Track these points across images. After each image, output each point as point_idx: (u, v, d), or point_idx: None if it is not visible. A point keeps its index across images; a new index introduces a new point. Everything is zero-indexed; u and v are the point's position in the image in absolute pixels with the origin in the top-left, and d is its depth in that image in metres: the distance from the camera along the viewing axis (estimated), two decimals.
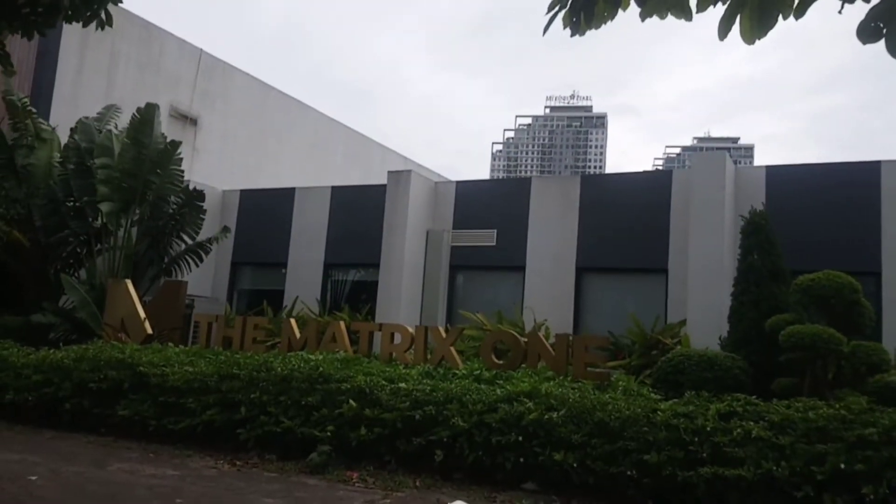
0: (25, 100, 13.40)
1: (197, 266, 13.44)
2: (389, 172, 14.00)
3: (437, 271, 13.59)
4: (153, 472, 6.26)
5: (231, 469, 6.59)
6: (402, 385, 7.05)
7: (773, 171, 11.64)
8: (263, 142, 20.77)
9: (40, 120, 13.60)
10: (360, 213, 14.57)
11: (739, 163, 13.62)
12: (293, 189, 15.68)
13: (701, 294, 10.85)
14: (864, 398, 6.41)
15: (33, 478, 5.73)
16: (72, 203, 12.94)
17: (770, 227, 8.41)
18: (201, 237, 13.32)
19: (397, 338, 9.07)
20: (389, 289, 13.25)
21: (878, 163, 10.90)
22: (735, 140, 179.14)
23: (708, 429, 5.72)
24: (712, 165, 11.53)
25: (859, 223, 10.72)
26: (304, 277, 14.80)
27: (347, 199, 15.02)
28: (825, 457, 5.24)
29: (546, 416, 6.15)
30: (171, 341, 10.09)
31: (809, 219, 10.85)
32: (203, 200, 13.14)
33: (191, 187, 13.29)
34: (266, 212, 15.72)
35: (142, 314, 10.50)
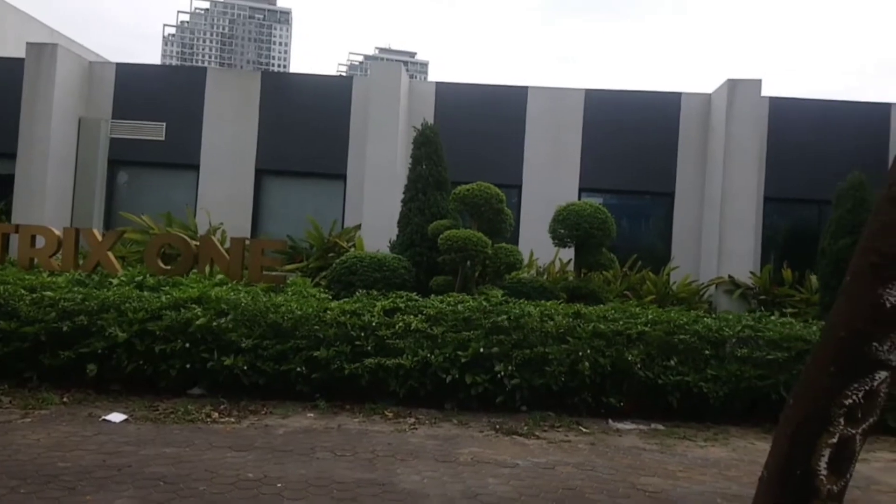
0: None
1: None
2: (29, 44, 11.67)
3: (93, 166, 12.00)
4: None
5: None
6: (48, 294, 6.19)
7: (442, 88, 12.51)
8: None
9: None
10: None
11: (414, 77, 14.33)
12: None
13: (375, 199, 11.41)
14: (500, 292, 7.51)
15: None
16: None
17: (439, 140, 9.09)
18: None
19: (40, 241, 7.87)
20: (30, 184, 11.33)
21: (525, 88, 12.41)
22: (413, 54, 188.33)
23: (373, 324, 6.14)
24: (389, 76, 11.94)
25: (507, 141, 12.20)
26: None
27: None
28: (468, 343, 6.03)
29: (216, 322, 5.97)
30: None
31: (469, 134, 11.98)
32: None
33: None
34: None
35: None
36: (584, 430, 5.62)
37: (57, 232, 7.87)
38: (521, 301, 6.87)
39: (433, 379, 5.96)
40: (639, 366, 5.99)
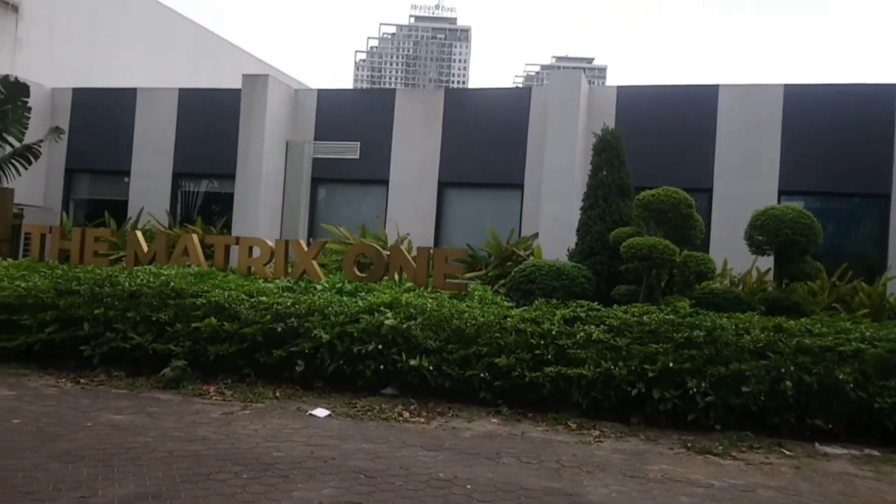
0: None
1: (25, 170, 12.10)
2: (245, 76, 13.15)
3: (298, 184, 13.20)
4: None
5: (75, 387, 6.22)
6: (263, 299, 6.91)
7: (623, 92, 12.20)
8: (95, 34, 18.60)
9: None
10: (212, 119, 13.65)
11: (593, 83, 14.14)
12: (135, 90, 14.34)
13: (553, 208, 11.38)
14: (689, 302, 7.14)
15: None
16: None
17: (620, 145, 8.88)
18: (29, 139, 11.94)
19: (256, 252, 8.81)
20: (247, 201, 12.72)
21: (716, 87, 11.73)
22: (590, 60, 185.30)
23: (553, 332, 6.13)
24: (568, 83, 11.87)
25: (696, 143, 11.59)
26: (150, 187, 13.82)
27: (198, 103, 13.98)
28: (656, 356, 5.81)
29: (405, 325, 6.30)
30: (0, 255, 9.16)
31: (653, 138, 11.55)
32: (27, 95, 11.69)
33: (10, 79, 11.75)
34: (104, 114, 14.31)
35: None
36: (786, 452, 5.18)
37: (270, 243, 8.77)
38: (713, 313, 6.49)
39: (617, 391, 5.81)
40: (851, 386, 5.41)
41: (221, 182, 13.75)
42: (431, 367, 6.11)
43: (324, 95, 13.66)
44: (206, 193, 14.13)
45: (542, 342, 6.08)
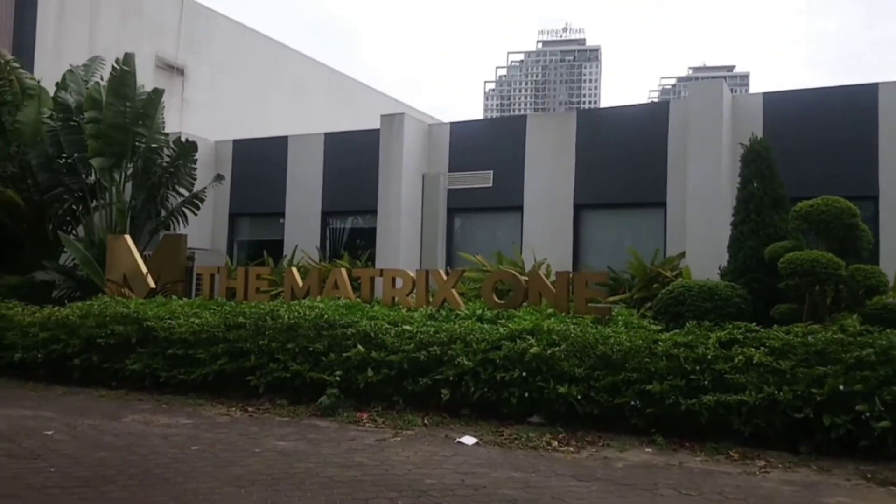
0: (9, 57, 13.11)
1: (194, 217, 13.40)
2: (382, 116, 13.79)
3: (435, 215, 13.56)
4: (167, 421, 6.39)
5: (244, 415, 6.73)
6: (407, 328, 7.14)
7: (770, 98, 11.48)
8: (249, 89, 20.36)
9: (25, 73, 13.29)
10: (354, 159, 14.42)
11: (736, 91, 13.41)
12: (286, 138, 15.48)
13: (699, 225, 10.86)
14: (857, 320, 6.51)
15: (49, 432, 5.85)
16: (64, 159, 12.78)
17: (771, 154, 8.35)
18: (196, 190, 13.23)
19: (398, 282, 9.13)
20: (388, 234, 13.24)
21: (875, 85, 10.75)
22: (730, 68, 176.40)
23: (709, 357, 5.82)
24: (709, 94, 11.36)
25: (857, 147, 10.64)
26: (302, 226, 14.77)
27: (341, 145, 14.84)
28: (824, 379, 5.35)
29: (549, 352, 6.25)
30: (175, 294, 10.15)
31: (807, 144, 10.75)
32: (196, 151, 12.98)
33: (182, 139, 13.11)
34: (260, 162, 15.56)
35: (143, 269, 10.51)
36: None
37: (411, 274, 9.06)
38: (889, 330, 5.88)
39: (782, 418, 5.40)
40: None
41: (364, 217, 14.43)
42: (579, 396, 6.00)
43: (456, 128, 14.00)
44: (350, 229, 14.89)
45: (697, 367, 5.79)
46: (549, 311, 7.87)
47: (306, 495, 4.29)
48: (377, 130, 13.71)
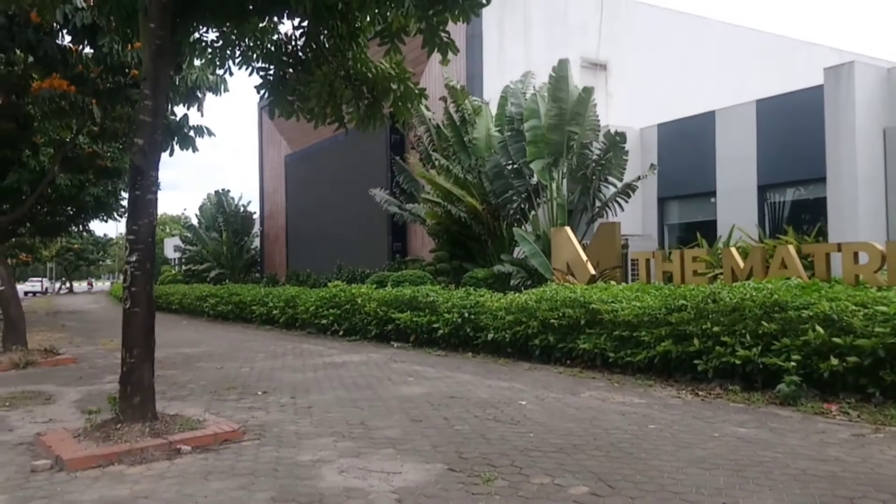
0: (462, 84, 15.57)
1: (627, 204, 13.84)
2: (826, 69, 12.15)
3: None
4: (621, 399, 6.73)
5: (695, 399, 6.67)
6: (880, 308, 6.14)
7: None
8: (670, 71, 20.08)
9: (474, 98, 15.60)
10: (792, 124, 13.05)
11: None
12: (712, 113, 14.86)
13: None
14: None
15: (523, 402, 6.70)
16: (511, 165, 14.56)
17: None
18: (626, 178, 13.63)
19: (863, 258, 7.93)
20: (841, 203, 11.61)
21: None
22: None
23: None
24: None
25: None
26: (735, 204, 13.99)
27: (775, 111, 13.58)
28: None
29: None
30: (613, 279, 10.64)
31: None
32: (625, 142, 13.39)
33: (610, 131, 13.66)
34: (686, 142, 15.26)
35: (584, 257, 11.30)
36: None
37: (879, 247, 7.79)
38: None
39: None
40: None
41: (808, 187, 12.95)
42: None
43: None
44: (792, 202, 13.52)
45: None
46: None
47: (777, 485, 4.03)
48: (819, 87, 12.17)
